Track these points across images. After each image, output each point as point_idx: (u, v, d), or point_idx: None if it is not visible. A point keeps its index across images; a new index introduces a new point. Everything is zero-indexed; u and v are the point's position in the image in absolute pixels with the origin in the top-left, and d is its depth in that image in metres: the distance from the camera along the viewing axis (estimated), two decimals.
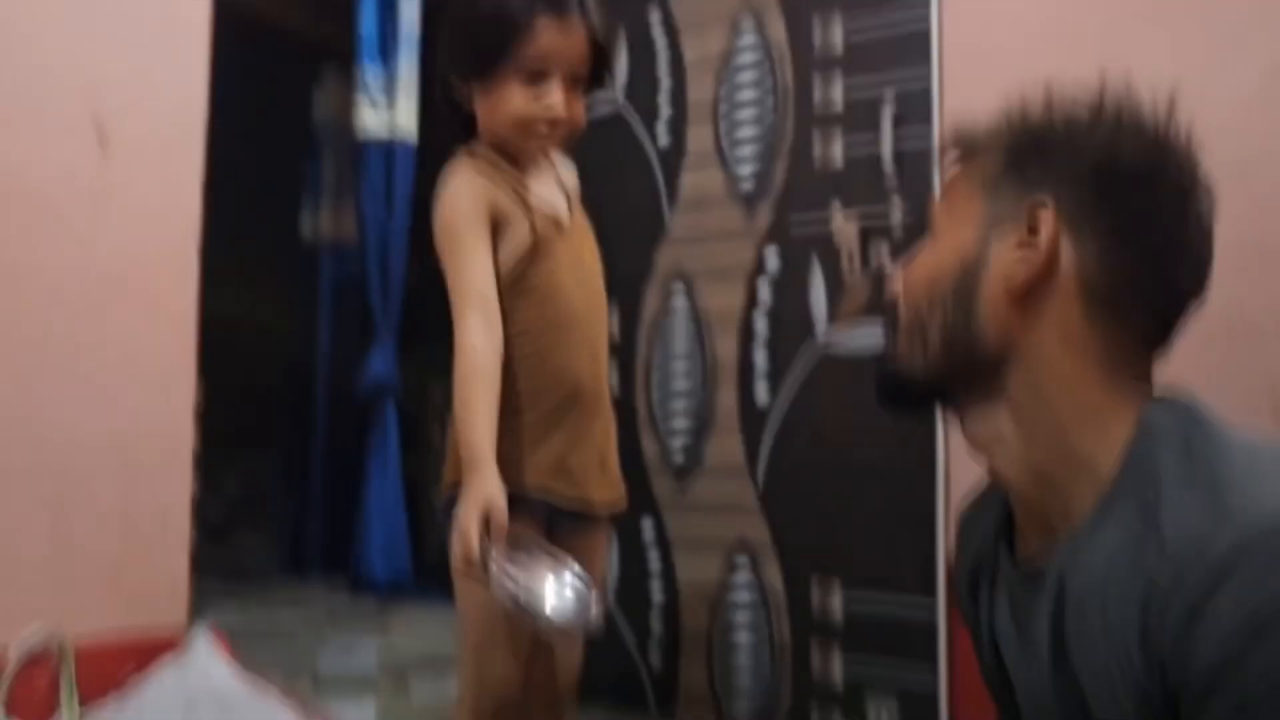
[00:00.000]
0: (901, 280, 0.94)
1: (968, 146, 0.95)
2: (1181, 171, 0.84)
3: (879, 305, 2.65)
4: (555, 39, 1.53)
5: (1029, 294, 0.83)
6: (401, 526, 3.97)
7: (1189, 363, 2.39)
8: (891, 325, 0.94)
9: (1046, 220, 0.82)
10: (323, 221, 5.01)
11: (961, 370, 0.87)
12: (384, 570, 3.89)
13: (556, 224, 1.69)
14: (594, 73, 1.62)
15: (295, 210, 5.06)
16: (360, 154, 3.40)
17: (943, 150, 1.00)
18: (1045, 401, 0.83)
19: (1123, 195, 0.82)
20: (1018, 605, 0.90)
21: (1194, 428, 0.79)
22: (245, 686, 1.77)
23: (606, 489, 1.75)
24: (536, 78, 1.56)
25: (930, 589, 2.56)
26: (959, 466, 2.60)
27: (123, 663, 1.82)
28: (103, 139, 1.83)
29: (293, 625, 4.02)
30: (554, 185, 1.78)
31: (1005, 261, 0.85)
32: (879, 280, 2.65)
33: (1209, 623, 0.68)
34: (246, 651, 3.47)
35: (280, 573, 5.05)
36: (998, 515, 0.96)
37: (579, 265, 1.75)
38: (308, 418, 5.10)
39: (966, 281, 0.86)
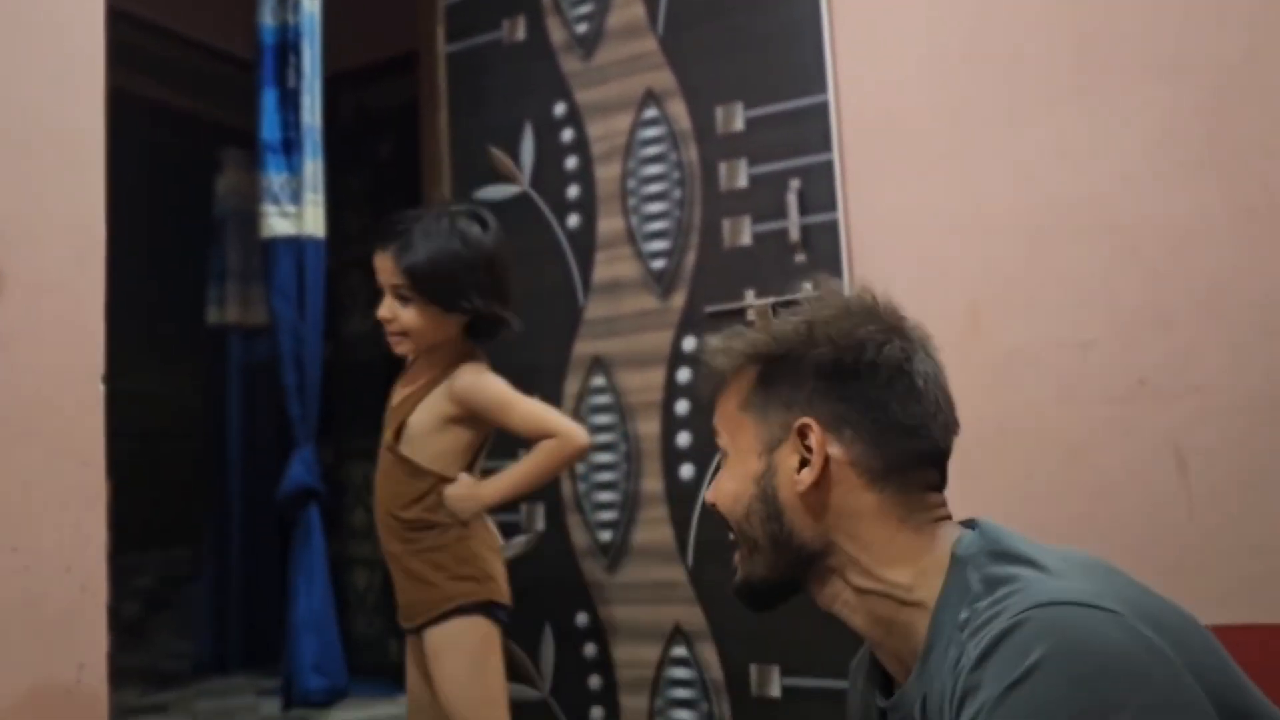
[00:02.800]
0: (714, 497, 1.06)
1: (717, 381, 1.07)
2: (898, 344, 0.98)
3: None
4: (379, 264, 2.45)
5: (818, 492, 0.96)
6: (334, 637, 3.85)
7: (1096, 425, 2.47)
8: (731, 542, 1.06)
9: (813, 436, 0.97)
10: (229, 307, 4.91)
11: (794, 563, 0.99)
12: (319, 686, 3.78)
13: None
14: (419, 288, 2.34)
15: (201, 294, 4.94)
16: (267, 250, 3.33)
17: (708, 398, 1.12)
18: (868, 567, 0.95)
19: (861, 389, 0.96)
20: None
21: (995, 543, 0.90)
22: None
23: None
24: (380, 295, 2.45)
25: None
26: None
27: None
28: None
29: None
30: (402, 394, 2.50)
31: (789, 473, 0.98)
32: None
33: (972, 700, 0.78)
34: None
35: (200, 672, 4.88)
36: (870, 662, 1.06)
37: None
38: (222, 511, 4.96)
39: (764, 496, 0.99)
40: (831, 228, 2.67)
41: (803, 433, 0.98)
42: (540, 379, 3.03)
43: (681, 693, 2.80)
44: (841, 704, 2.56)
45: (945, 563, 0.92)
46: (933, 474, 0.99)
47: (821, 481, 0.96)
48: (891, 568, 0.94)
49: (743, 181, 2.79)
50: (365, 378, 4.77)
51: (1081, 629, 0.76)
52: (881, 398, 0.96)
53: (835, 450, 0.96)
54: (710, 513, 1.07)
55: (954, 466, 1.05)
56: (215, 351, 4.97)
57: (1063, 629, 0.76)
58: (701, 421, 2.80)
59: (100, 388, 1.98)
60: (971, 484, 1.57)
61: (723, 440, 1.06)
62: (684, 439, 2.83)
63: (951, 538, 0.95)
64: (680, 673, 2.81)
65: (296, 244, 3.36)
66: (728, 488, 1.04)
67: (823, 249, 2.68)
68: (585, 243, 3.00)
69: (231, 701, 4.40)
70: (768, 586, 1.02)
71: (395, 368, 4.75)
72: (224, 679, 4.80)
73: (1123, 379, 2.36)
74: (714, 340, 1.08)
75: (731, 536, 1.05)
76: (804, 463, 0.97)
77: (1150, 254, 2.37)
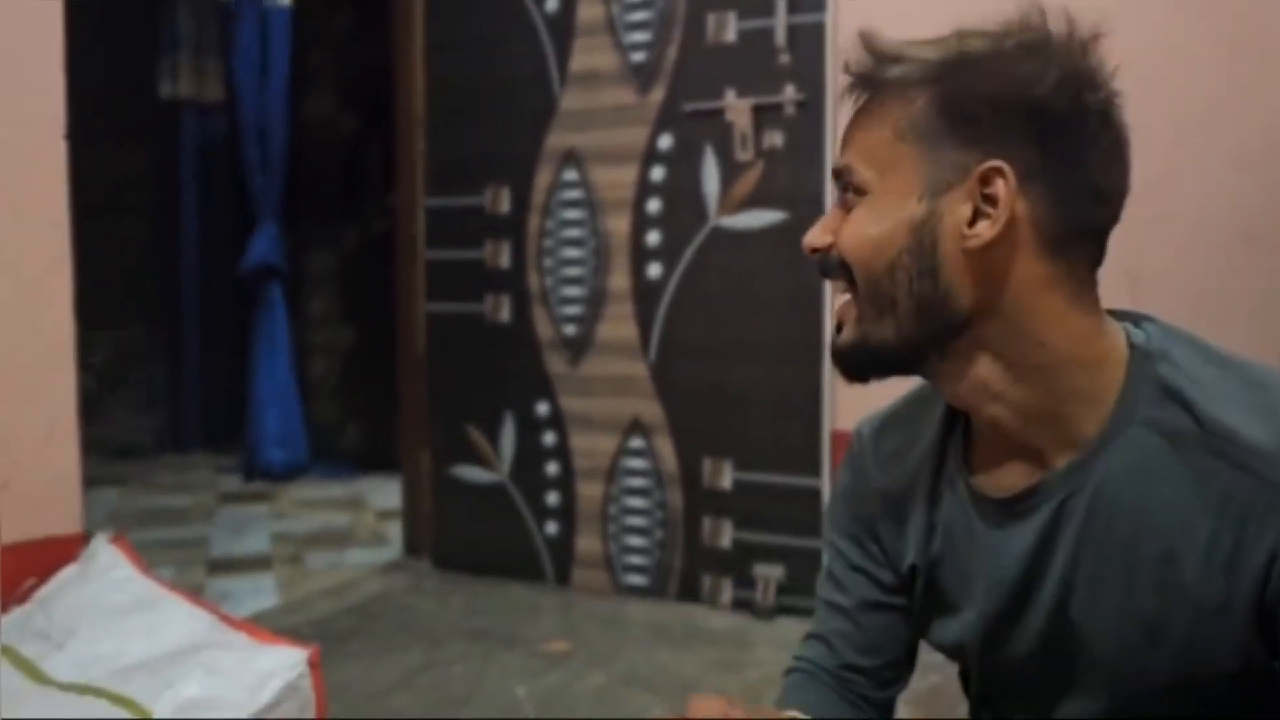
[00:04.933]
0: (842, 243, 0.83)
1: (877, 85, 0.84)
2: (1109, 91, 0.82)
3: (768, 188, 2.68)
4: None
5: (988, 252, 0.80)
6: (296, 413, 3.90)
7: None
8: (848, 291, 0.85)
9: (1000, 185, 0.79)
10: (182, 80, 4.73)
11: (937, 332, 0.82)
12: (281, 459, 3.85)
13: None
14: None
15: (152, 67, 4.75)
16: (228, 16, 3.17)
17: (846, 89, 0.86)
18: (1033, 345, 0.81)
19: (1064, 139, 0.80)
20: (981, 535, 0.88)
21: (1178, 337, 0.83)
22: (155, 592, 1.76)
23: None
24: None
25: (815, 467, 2.69)
26: None
27: (22, 575, 1.79)
28: None
29: (182, 506, 3.99)
30: None
31: (957, 225, 0.80)
32: (771, 163, 2.67)
33: None
34: (137, 536, 3.44)
35: (160, 451, 4.96)
36: (933, 442, 0.94)
37: None
38: (177, 290, 4.92)
39: (920, 248, 0.81)
40: (818, 30, 2.61)
41: (987, 179, 0.79)
42: (509, 170, 3.00)
43: (636, 482, 2.91)
44: (787, 497, 2.70)
45: (1124, 353, 0.81)
46: (1100, 252, 0.84)
47: (996, 240, 0.79)
48: (1068, 350, 0.81)
49: None
50: (325, 165, 4.67)
51: None
52: (1084, 153, 0.80)
53: (1020, 206, 0.79)
54: (808, 259, 0.87)
55: None
56: (168, 127, 4.82)
57: None
58: (674, 222, 2.80)
59: (63, 143, 1.93)
60: None
61: (861, 175, 0.83)
62: (654, 238, 2.83)
63: (1118, 325, 0.84)
64: (635, 463, 2.91)
65: (260, 9, 3.21)
66: (867, 232, 0.82)
67: (808, 51, 2.62)
68: (562, 29, 2.90)
69: (190, 476, 4.49)
70: (889, 354, 0.85)
71: (356, 159, 4.66)
72: (182, 455, 4.89)
73: None
74: (884, 40, 0.84)
75: (842, 289, 0.86)
76: (978, 214, 0.80)
77: (1126, 86, 2.35)
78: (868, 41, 0.84)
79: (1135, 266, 2.36)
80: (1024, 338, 0.81)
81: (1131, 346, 0.82)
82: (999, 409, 0.83)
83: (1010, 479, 0.85)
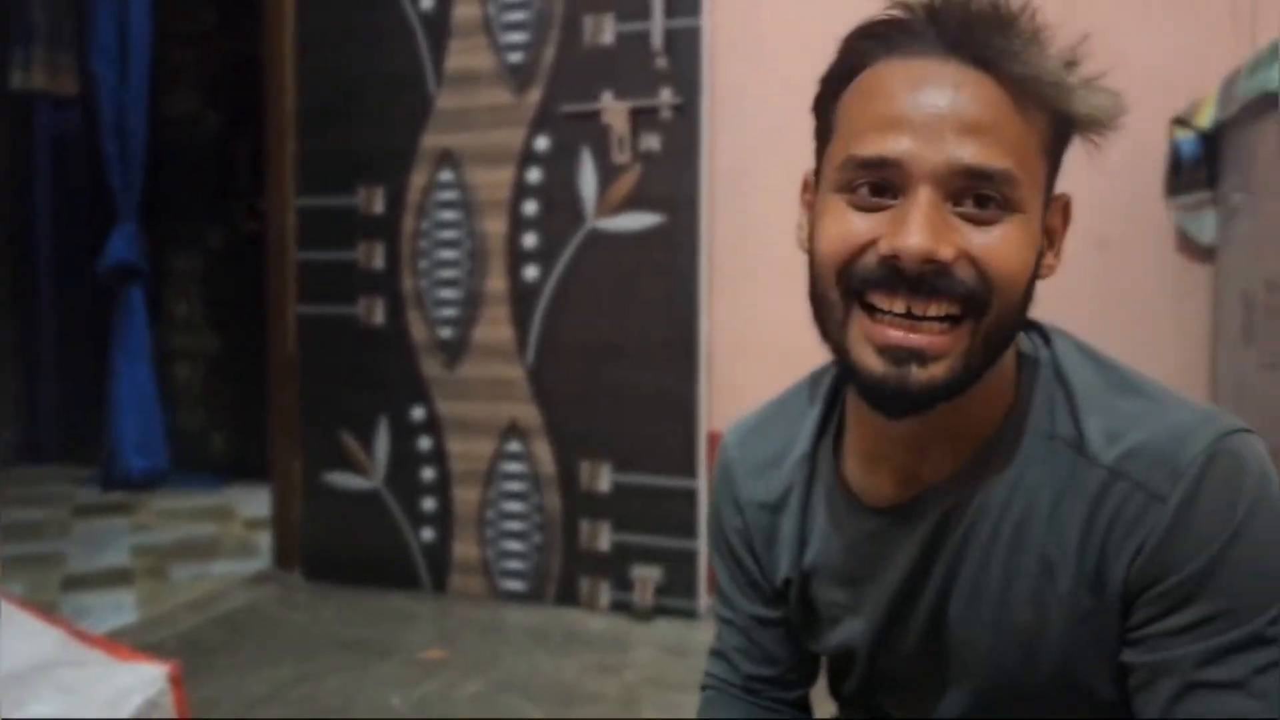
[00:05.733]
0: (993, 267, 0.72)
1: (1022, 78, 0.72)
2: None
3: (644, 191, 2.69)
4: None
5: None
6: (156, 418, 3.73)
7: None
8: (948, 316, 0.73)
9: (1062, 218, 0.79)
10: (35, 72, 4.49)
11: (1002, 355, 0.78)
12: (140, 467, 3.68)
13: None
14: None
15: (2, 60, 4.50)
16: (84, 6, 3.01)
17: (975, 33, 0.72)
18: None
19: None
20: (861, 544, 0.86)
21: (1064, 344, 0.82)
22: (6, 609, 1.66)
23: None
24: None
25: (692, 468, 2.70)
26: (718, 346, 2.73)
27: None
28: None
29: (35, 520, 3.78)
30: None
31: (1039, 253, 0.77)
32: (648, 165, 2.68)
33: (1187, 530, 0.71)
34: None
35: (14, 463, 4.69)
36: (805, 450, 0.90)
37: None
38: (30, 290, 4.68)
39: (1032, 275, 0.77)
40: (695, 34, 2.63)
41: (1065, 210, 0.79)
42: (383, 170, 2.94)
43: (513, 485, 2.88)
44: (664, 498, 2.71)
45: (1009, 359, 0.80)
46: None
47: None
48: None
49: None
50: (190, 163, 4.50)
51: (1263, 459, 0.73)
52: None
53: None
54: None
55: None
56: (19, 121, 4.58)
57: (1255, 463, 0.73)
58: (551, 223, 2.79)
59: None
60: None
61: (1020, 189, 0.72)
62: (531, 240, 2.81)
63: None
64: (513, 467, 2.88)
65: (118, 0, 3.07)
66: (1023, 257, 0.73)
67: (684, 55, 2.64)
68: (438, 27, 2.86)
69: (45, 489, 4.26)
70: (970, 383, 0.76)
71: (222, 157, 4.51)
72: (38, 467, 4.64)
73: None
74: (1023, 29, 0.72)
75: (943, 314, 0.72)
76: (1051, 235, 0.78)
77: None
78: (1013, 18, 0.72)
79: None
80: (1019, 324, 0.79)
81: (1020, 354, 0.81)
82: (951, 415, 0.78)
83: (888, 487, 0.84)
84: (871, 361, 0.73)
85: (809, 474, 0.91)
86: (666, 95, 2.65)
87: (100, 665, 1.59)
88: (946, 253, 0.70)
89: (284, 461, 3.18)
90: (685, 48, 2.64)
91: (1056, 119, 0.74)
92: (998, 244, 0.71)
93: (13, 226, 4.70)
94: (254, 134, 3.39)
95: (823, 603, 0.91)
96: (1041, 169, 0.74)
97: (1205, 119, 2.34)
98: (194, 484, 4.20)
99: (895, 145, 0.71)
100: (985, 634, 0.80)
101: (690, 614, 2.73)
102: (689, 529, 2.72)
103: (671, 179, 2.66)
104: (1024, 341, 0.82)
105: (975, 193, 0.71)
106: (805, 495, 0.91)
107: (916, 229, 0.70)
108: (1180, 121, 2.39)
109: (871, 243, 0.72)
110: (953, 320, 0.72)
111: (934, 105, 0.71)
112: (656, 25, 2.64)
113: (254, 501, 3.84)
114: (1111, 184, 2.42)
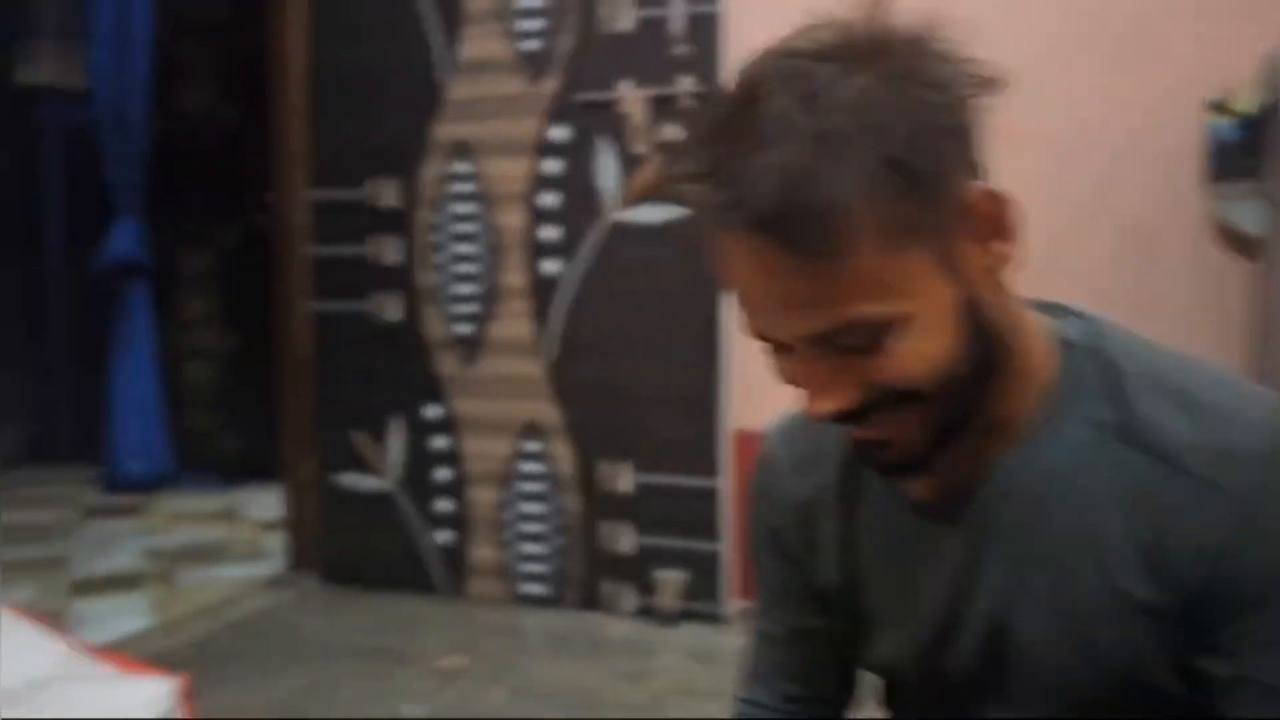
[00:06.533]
0: (899, 381, 0.69)
1: (826, 232, 0.63)
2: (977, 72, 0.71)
3: (667, 183, 2.60)
4: None
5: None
6: (157, 419, 3.65)
7: None
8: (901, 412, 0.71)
9: (989, 199, 0.69)
10: (43, 66, 4.44)
11: (993, 373, 0.72)
12: (140, 469, 3.60)
13: None
14: None
15: (8, 54, 4.44)
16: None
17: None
18: (1006, 342, 0.74)
19: (975, 128, 0.70)
20: (906, 543, 0.82)
21: (1107, 330, 0.76)
22: (3, 621, 1.59)
23: None
24: None
25: (715, 468, 2.62)
26: (743, 341, 2.64)
27: None
28: None
29: (44, 521, 3.72)
30: None
31: (983, 267, 0.70)
32: (669, 154, 2.59)
33: (1253, 526, 0.67)
34: None
35: (21, 463, 4.63)
36: (846, 444, 0.84)
37: None
38: (40, 289, 4.61)
39: (977, 320, 0.70)
40: (715, 20, 2.55)
41: (980, 208, 0.69)
42: (396, 162, 2.86)
43: (532, 486, 2.81)
44: (687, 499, 2.62)
45: (1052, 346, 0.75)
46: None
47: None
48: (1016, 341, 0.73)
49: None
50: (202, 158, 4.43)
51: None
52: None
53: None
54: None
55: None
56: (26, 115, 4.51)
57: None
58: (570, 216, 2.71)
59: None
60: None
61: (878, 313, 0.66)
62: (549, 232, 2.73)
63: (1040, 313, 0.77)
64: (532, 467, 2.80)
65: None
66: (927, 351, 0.68)
67: (704, 41, 2.56)
68: (451, 16, 2.78)
69: (53, 490, 4.20)
70: (958, 426, 0.73)
71: (236, 152, 4.44)
72: (45, 468, 4.58)
73: None
74: (778, 170, 0.62)
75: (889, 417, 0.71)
76: (987, 238, 0.70)
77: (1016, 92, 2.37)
78: (763, 178, 0.62)
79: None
80: (1003, 335, 0.72)
81: (1062, 340, 0.76)
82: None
83: (930, 484, 0.77)
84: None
85: (852, 472, 0.85)
86: (686, 83, 2.57)
87: (108, 680, 1.52)
88: (845, 403, 0.68)
89: (296, 462, 3.11)
90: (706, 33, 2.56)
91: (895, 185, 0.64)
92: (894, 360, 0.67)
93: (20, 223, 4.63)
94: (267, 127, 3.32)
95: (870, 609, 0.86)
96: (909, 250, 0.66)
97: (1246, 103, 2.25)
98: (202, 485, 4.13)
99: (746, 321, 0.69)
100: (1043, 633, 0.75)
101: (716, 618, 2.64)
102: (713, 531, 2.64)
103: None
104: (1063, 326, 0.77)
105: (846, 345, 0.67)
106: (849, 494, 0.86)
107: (807, 399, 0.70)
108: (1218, 107, 2.30)
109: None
110: (916, 411, 0.69)
111: (754, 289, 0.67)
112: (676, 10, 2.56)
113: (265, 503, 3.78)
114: (1147, 175, 2.34)
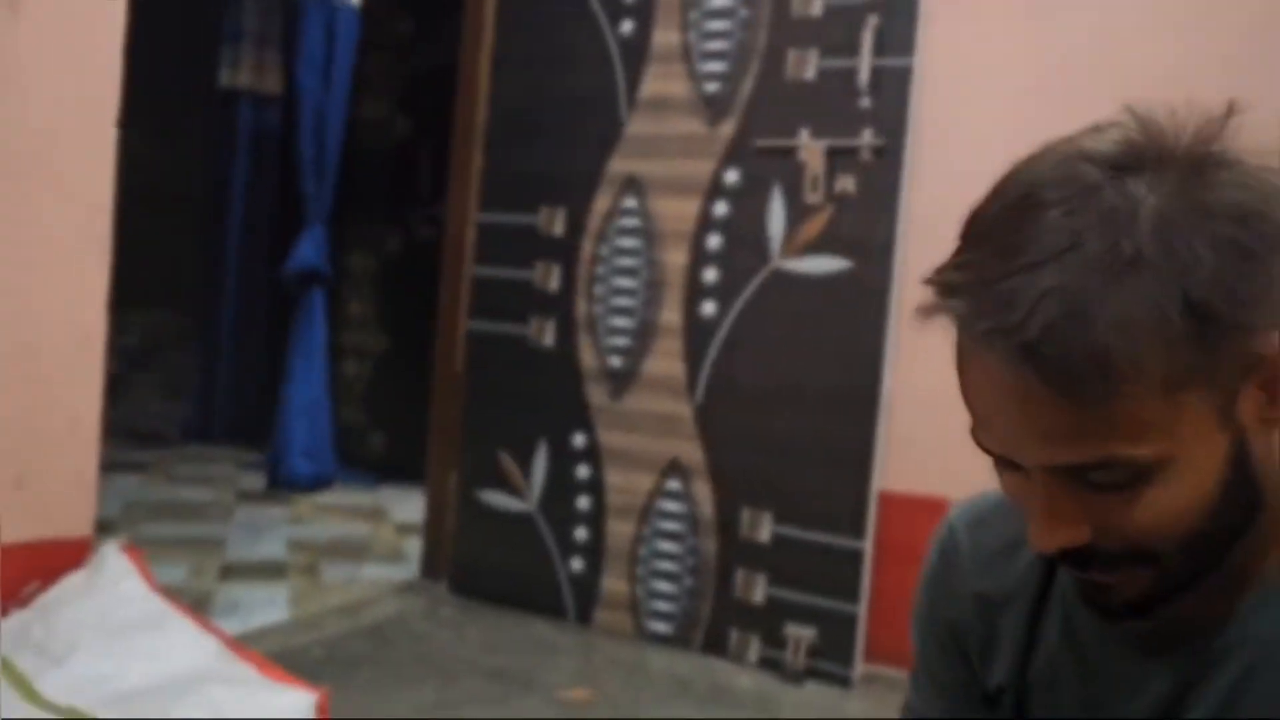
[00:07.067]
0: (1139, 532, 0.64)
1: (1106, 381, 0.58)
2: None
3: (835, 233, 2.56)
4: None
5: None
6: (326, 426, 3.79)
7: None
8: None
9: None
10: (242, 71, 4.68)
11: (1249, 519, 0.68)
12: (307, 473, 3.74)
13: None
14: None
15: (213, 57, 4.71)
16: (293, 11, 3.10)
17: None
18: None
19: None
20: (1100, 666, 0.76)
21: None
22: (162, 611, 1.67)
23: None
24: None
25: (859, 527, 2.56)
26: (901, 401, 2.57)
27: (25, 578, 1.69)
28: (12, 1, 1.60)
29: (200, 502, 3.90)
30: None
31: (1258, 414, 0.64)
32: (841, 208, 2.55)
33: None
34: (150, 530, 3.36)
35: (184, 440, 4.89)
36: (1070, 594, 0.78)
37: None
38: (217, 278, 4.87)
39: (1239, 470, 0.64)
40: (904, 74, 2.50)
41: (1273, 356, 0.62)
42: (567, 192, 2.90)
43: (670, 525, 2.79)
44: (826, 556, 2.56)
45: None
46: None
47: None
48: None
49: (817, 9, 2.59)
50: (374, 167, 4.60)
51: None
52: None
53: None
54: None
55: None
56: (223, 116, 4.77)
57: None
58: (733, 259, 2.69)
59: (113, 130, 1.85)
60: None
61: (1138, 457, 0.61)
62: (711, 274, 2.72)
63: None
64: (671, 505, 2.79)
65: (328, 8, 3.14)
66: (1175, 506, 0.63)
67: (890, 96, 2.51)
68: (636, 53, 2.81)
69: (212, 470, 4.41)
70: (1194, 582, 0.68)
71: (409, 161, 4.59)
72: (206, 446, 4.82)
73: None
74: (1058, 295, 0.57)
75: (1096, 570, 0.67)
76: (1273, 390, 0.64)
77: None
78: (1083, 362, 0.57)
79: None
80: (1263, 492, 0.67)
81: None
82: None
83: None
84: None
85: (1046, 572, 0.80)
86: (868, 136, 2.52)
87: (252, 684, 1.57)
88: (1079, 539, 0.63)
89: (441, 474, 3.18)
90: (893, 87, 2.51)
91: (1192, 320, 0.57)
92: (1139, 510, 0.62)
93: (209, 215, 4.90)
94: (439, 142, 3.42)
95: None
96: (1187, 397, 0.59)
97: None
98: (351, 480, 4.27)
99: (986, 439, 0.64)
100: None
101: (844, 681, 2.58)
102: (851, 591, 2.57)
103: (865, 223, 2.53)
104: None
105: (1096, 481, 0.62)
106: (1038, 596, 0.80)
107: (1035, 527, 0.64)
108: None
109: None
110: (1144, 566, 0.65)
111: (1001, 413, 0.62)
112: (864, 62, 2.52)
113: (407, 504, 3.88)
114: None
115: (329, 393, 3.77)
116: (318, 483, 3.72)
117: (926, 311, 0.64)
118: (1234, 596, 0.69)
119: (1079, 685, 0.78)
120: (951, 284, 0.62)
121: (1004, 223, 0.61)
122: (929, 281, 0.65)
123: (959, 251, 0.64)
